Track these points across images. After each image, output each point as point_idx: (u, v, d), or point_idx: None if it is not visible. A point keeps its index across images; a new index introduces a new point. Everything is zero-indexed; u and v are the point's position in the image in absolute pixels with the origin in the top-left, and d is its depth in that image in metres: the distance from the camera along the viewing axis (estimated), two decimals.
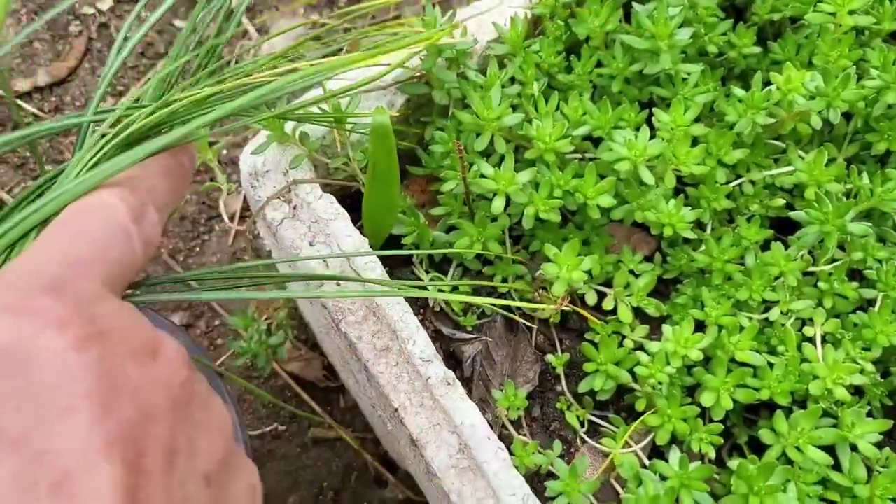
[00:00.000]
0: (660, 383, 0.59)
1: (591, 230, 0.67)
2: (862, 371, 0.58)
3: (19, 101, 1.05)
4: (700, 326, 0.61)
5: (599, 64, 0.67)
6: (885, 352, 0.61)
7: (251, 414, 0.87)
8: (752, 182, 0.67)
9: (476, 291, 0.68)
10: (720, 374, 0.59)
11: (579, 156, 0.66)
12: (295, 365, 0.88)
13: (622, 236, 0.68)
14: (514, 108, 0.64)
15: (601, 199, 0.61)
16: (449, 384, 0.56)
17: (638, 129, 0.62)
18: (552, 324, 0.67)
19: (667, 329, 0.60)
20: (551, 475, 0.58)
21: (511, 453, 0.56)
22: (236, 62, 1.12)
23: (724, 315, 0.61)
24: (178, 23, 1.13)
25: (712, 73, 0.68)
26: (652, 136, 0.61)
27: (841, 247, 0.65)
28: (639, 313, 0.65)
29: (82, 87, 1.07)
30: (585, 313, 0.62)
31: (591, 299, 0.65)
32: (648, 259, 0.67)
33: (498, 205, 0.60)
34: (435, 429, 0.55)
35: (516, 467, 0.55)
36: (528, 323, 0.66)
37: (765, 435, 0.58)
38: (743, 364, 0.60)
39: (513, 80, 0.66)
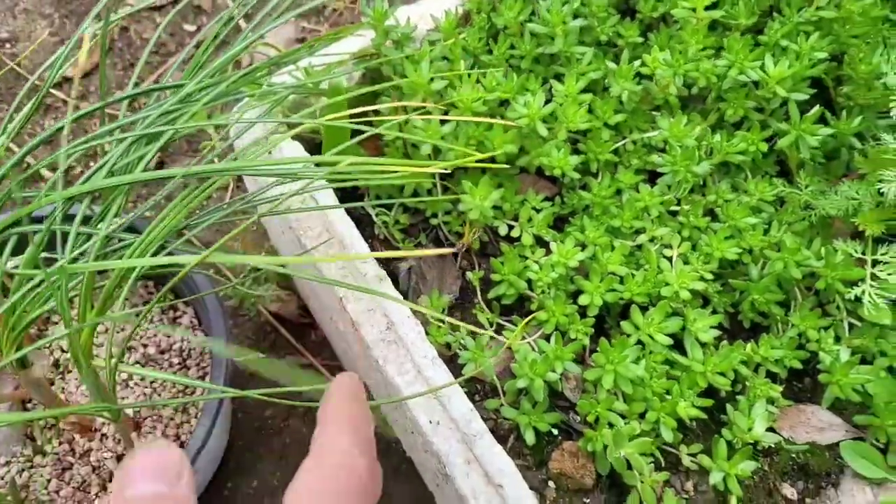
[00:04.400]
0: (548, 287, 0.76)
1: (505, 178, 0.84)
2: (702, 278, 0.75)
3: (52, 90, 1.24)
4: (581, 247, 0.78)
5: (513, 47, 0.85)
6: (729, 270, 0.78)
7: (238, 345, 1.04)
8: (634, 142, 0.85)
9: (413, 225, 0.85)
10: (594, 281, 0.76)
11: (494, 116, 0.83)
12: (274, 305, 1.05)
13: (529, 183, 0.86)
14: (445, 80, 0.82)
15: (506, 147, 0.78)
16: (381, 279, 0.73)
17: (536, 94, 0.79)
18: (472, 250, 0.84)
19: (554, 246, 0.77)
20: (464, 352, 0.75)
21: (428, 334, 0.73)
22: (237, 62, 1.31)
23: (601, 237, 0.78)
24: (186, 26, 1.32)
25: (604, 57, 0.86)
26: (549, 102, 0.79)
27: (702, 193, 0.82)
28: (540, 242, 0.82)
29: (105, 79, 1.26)
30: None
31: (503, 231, 0.82)
32: (549, 200, 0.85)
33: (426, 150, 0.78)
34: (369, 312, 0.72)
35: (431, 343, 0.72)
36: (453, 248, 0.84)
37: (625, 326, 0.74)
38: (613, 274, 0.77)
39: (445, 59, 0.85)
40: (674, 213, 0.82)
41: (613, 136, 0.84)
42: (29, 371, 0.63)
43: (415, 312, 0.77)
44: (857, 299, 0.72)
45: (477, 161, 0.78)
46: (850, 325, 0.76)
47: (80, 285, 0.58)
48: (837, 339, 0.75)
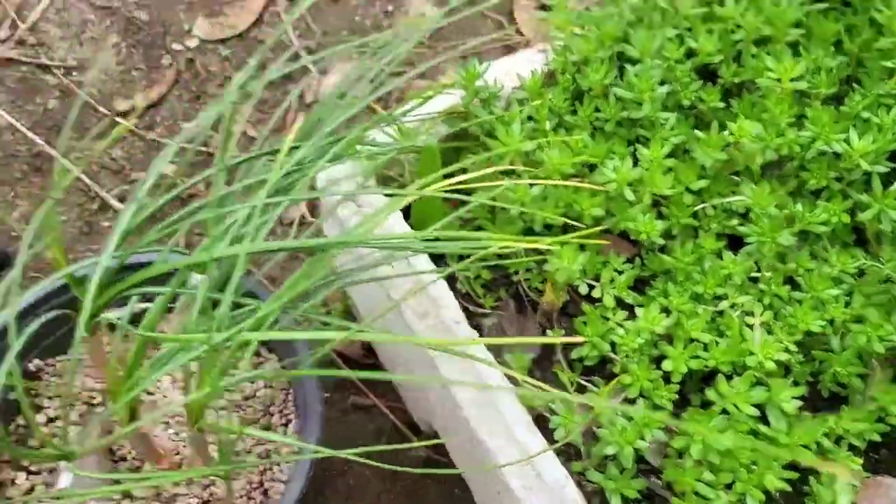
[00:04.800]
0: (633, 351, 0.77)
1: (592, 234, 0.86)
2: (787, 350, 0.76)
3: (118, 118, 1.26)
4: (665, 312, 0.80)
5: (598, 109, 0.87)
6: (809, 339, 0.79)
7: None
8: (714, 207, 0.86)
9: (494, 280, 0.86)
10: (678, 347, 0.77)
11: (580, 178, 0.85)
12: (340, 344, 1.06)
13: (610, 244, 0.87)
14: (531, 140, 0.83)
15: (594, 210, 0.80)
16: (472, 341, 0.74)
17: (624, 159, 0.81)
18: (553, 308, 0.85)
19: (640, 311, 0.78)
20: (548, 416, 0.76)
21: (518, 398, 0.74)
22: (301, 95, 1.34)
23: (684, 304, 0.79)
24: (252, 61, 1.34)
25: (686, 121, 0.88)
26: (634, 166, 0.81)
27: (782, 260, 0.83)
28: (620, 303, 0.83)
29: (171, 110, 1.28)
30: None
31: (584, 290, 0.83)
32: (630, 261, 0.86)
33: (515, 211, 0.80)
34: (461, 372, 0.73)
35: (523, 406, 0.73)
36: (534, 305, 0.85)
37: (710, 393, 0.76)
38: (697, 341, 0.78)
39: (530, 119, 0.86)
40: (754, 280, 0.83)
41: (694, 200, 0.85)
42: (139, 428, 0.65)
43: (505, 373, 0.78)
44: None
45: (566, 228, 0.79)
46: None
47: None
48: None
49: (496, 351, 0.82)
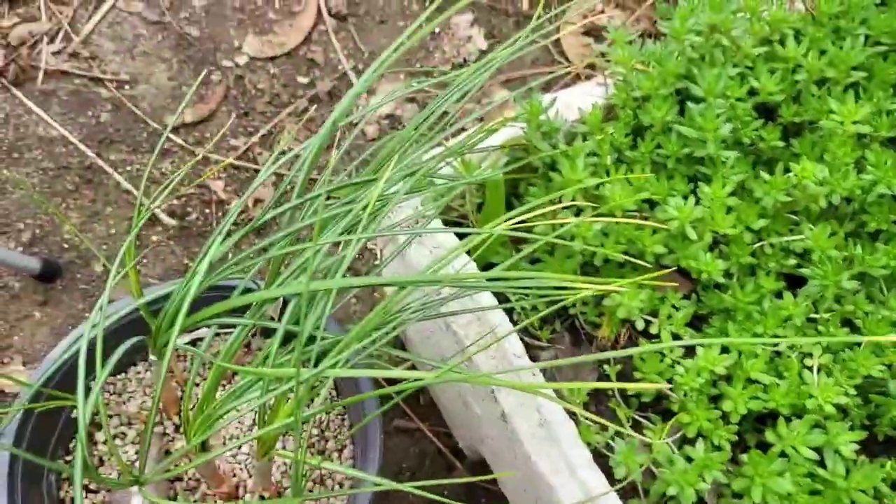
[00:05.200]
0: (692, 390, 0.78)
1: (645, 272, 0.86)
2: (846, 394, 0.76)
3: (168, 133, 1.27)
4: (724, 351, 0.80)
5: (658, 146, 0.87)
6: (866, 382, 0.79)
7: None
8: (772, 245, 0.86)
9: (550, 312, 0.87)
10: (738, 388, 0.77)
11: (639, 214, 0.85)
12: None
13: (668, 278, 0.87)
14: (593, 174, 0.84)
15: (655, 248, 0.80)
16: (534, 375, 0.75)
17: (686, 197, 0.81)
18: (608, 342, 0.86)
19: (700, 350, 0.79)
20: (604, 452, 0.77)
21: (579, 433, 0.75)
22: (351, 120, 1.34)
23: (744, 343, 0.79)
24: (300, 78, 1.36)
25: (745, 158, 0.88)
26: (696, 204, 0.81)
27: (838, 301, 0.84)
28: (675, 339, 0.84)
29: (220, 126, 1.29)
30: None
31: (640, 325, 0.84)
32: (686, 298, 0.86)
33: (578, 245, 0.80)
34: (521, 406, 0.74)
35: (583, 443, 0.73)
36: (590, 338, 0.85)
37: (769, 435, 0.76)
38: (755, 382, 0.78)
39: (592, 153, 0.87)
40: (811, 320, 0.83)
41: (754, 239, 0.85)
42: (210, 460, 0.65)
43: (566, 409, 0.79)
44: None
45: (625, 263, 0.79)
46: None
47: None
48: None
49: (554, 381, 0.83)
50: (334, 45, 1.38)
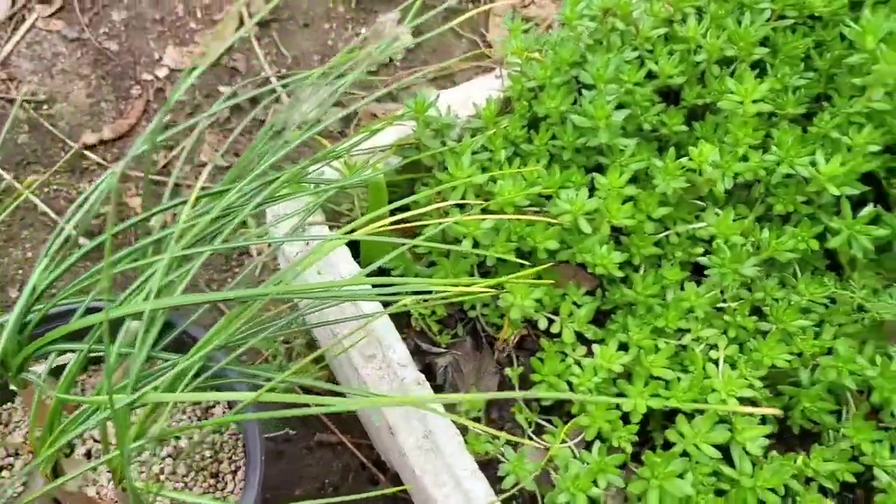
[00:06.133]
0: (589, 391, 0.74)
1: (544, 270, 0.82)
2: (751, 386, 0.73)
3: (86, 152, 1.24)
4: (625, 348, 0.76)
5: (555, 137, 0.84)
6: (777, 373, 0.76)
7: (266, 423, 1.02)
8: (678, 234, 0.82)
9: (450, 316, 0.83)
10: (638, 386, 0.74)
11: (536, 209, 0.82)
12: (306, 380, 1.03)
13: (569, 274, 0.84)
14: (485, 170, 0.80)
15: (548, 244, 0.77)
16: (419, 384, 0.71)
17: (580, 189, 0.78)
18: (511, 344, 0.82)
19: (596, 348, 0.75)
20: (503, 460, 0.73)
21: (467, 443, 0.71)
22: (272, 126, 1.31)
23: (644, 339, 0.76)
24: (222, 88, 1.32)
25: (648, 145, 0.84)
26: (591, 195, 0.78)
27: (749, 288, 0.80)
28: (581, 338, 0.80)
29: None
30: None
31: (543, 324, 0.80)
32: (591, 293, 0.83)
33: (466, 245, 0.77)
34: (406, 418, 0.70)
35: (470, 453, 0.70)
36: (491, 339, 0.82)
37: (670, 434, 0.72)
38: (657, 378, 0.74)
39: (486, 149, 0.83)
40: (720, 309, 0.79)
41: (657, 228, 0.81)
42: (64, 485, 0.62)
43: (453, 413, 0.75)
44: None
45: (520, 265, 0.76)
46: None
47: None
48: (894, 450, 0.72)
49: (454, 389, 0.79)
50: (257, 52, 1.35)
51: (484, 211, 0.79)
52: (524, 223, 0.77)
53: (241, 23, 1.37)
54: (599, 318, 0.82)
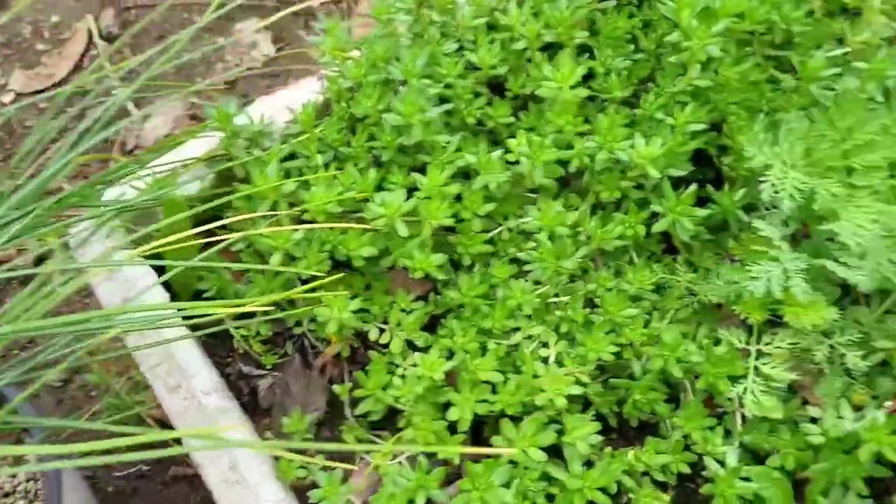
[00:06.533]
0: (414, 401, 0.70)
1: (372, 277, 0.79)
2: (579, 382, 0.70)
3: None
4: (451, 355, 0.73)
5: (372, 137, 0.80)
6: (611, 366, 0.73)
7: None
8: (510, 230, 0.79)
9: (278, 334, 0.79)
10: (464, 392, 0.70)
11: (358, 214, 0.78)
12: (158, 411, 0.98)
13: (401, 281, 0.80)
14: (301, 176, 0.76)
15: (363, 251, 0.73)
16: (225, 412, 0.67)
17: (396, 191, 0.74)
18: (343, 358, 0.78)
19: (418, 356, 0.71)
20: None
21: (280, 470, 0.67)
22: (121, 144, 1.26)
23: (470, 342, 0.72)
24: (70, 110, 1.26)
25: (475, 139, 0.81)
26: (409, 196, 0.74)
27: (576, 280, 0.77)
28: (414, 346, 0.76)
29: None
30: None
31: (374, 335, 0.76)
32: (423, 298, 0.79)
33: (276, 260, 0.72)
34: (210, 451, 0.66)
35: (281, 480, 0.65)
36: (319, 356, 0.78)
37: (496, 441, 0.69)
38: (486, 382, 0.71)
39: (302, 155, 0.79)
40: (555, 305, 0.76)
41: (486, 225, 0.78)
42: None
43: (281, 438, 0.71)
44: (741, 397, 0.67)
45: (330, 272, 0.72)
46: (743, 417, 0.71)
47: None
48: (728, 435, 0.70)
49: (283, 411, 0.75)
50: (108, 70, 1.28)
51: (298, 221, 0.75)
52: (338, 231, 0.73)
53: (91, 39, 1.31)
54: (435, 324, 0.78)
